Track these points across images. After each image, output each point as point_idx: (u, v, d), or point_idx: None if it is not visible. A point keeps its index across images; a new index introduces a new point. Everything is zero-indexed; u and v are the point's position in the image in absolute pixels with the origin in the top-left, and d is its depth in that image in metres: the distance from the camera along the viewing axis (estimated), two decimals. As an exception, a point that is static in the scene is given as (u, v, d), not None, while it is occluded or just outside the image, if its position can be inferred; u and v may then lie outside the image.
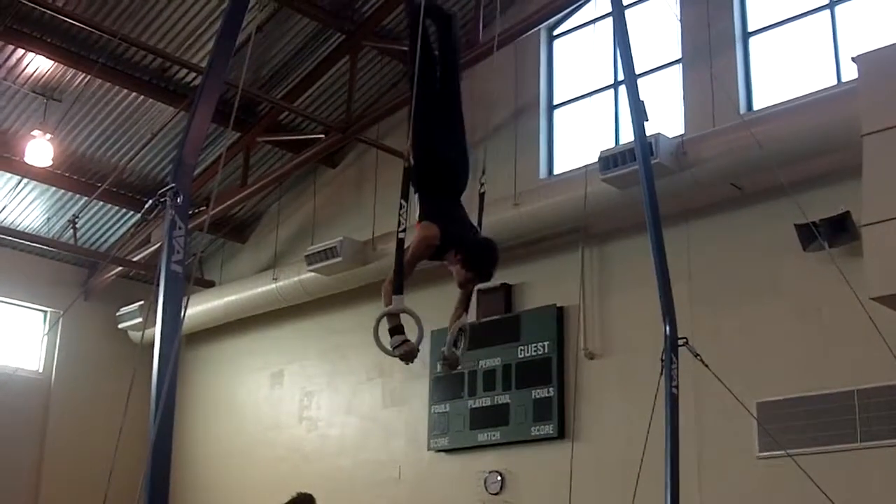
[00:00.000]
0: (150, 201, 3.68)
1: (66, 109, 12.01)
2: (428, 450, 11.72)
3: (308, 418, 13.41)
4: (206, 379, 14.71)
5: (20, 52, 11.42)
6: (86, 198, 13.30)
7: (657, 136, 9.24)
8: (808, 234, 8.75)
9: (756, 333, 9.47)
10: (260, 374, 14.14)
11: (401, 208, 5.04)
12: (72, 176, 13.22)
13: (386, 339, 5.14)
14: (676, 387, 6.25)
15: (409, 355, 5.03)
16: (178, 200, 3.60)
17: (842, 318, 8.65)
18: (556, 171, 11.57)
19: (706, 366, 6.22)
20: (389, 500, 11.96)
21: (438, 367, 11.65)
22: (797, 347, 9.19)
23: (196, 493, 13.57)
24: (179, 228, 3.58)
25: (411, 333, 5.12)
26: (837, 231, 8.75)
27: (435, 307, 11.85)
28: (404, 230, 5.08)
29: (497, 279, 11.42)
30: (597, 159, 9.82)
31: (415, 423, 11.96)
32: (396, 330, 5.05)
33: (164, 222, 3.57)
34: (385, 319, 5.02)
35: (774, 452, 8.57)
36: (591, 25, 11.50)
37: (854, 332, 8.42)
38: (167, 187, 3.61)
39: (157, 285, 3.62)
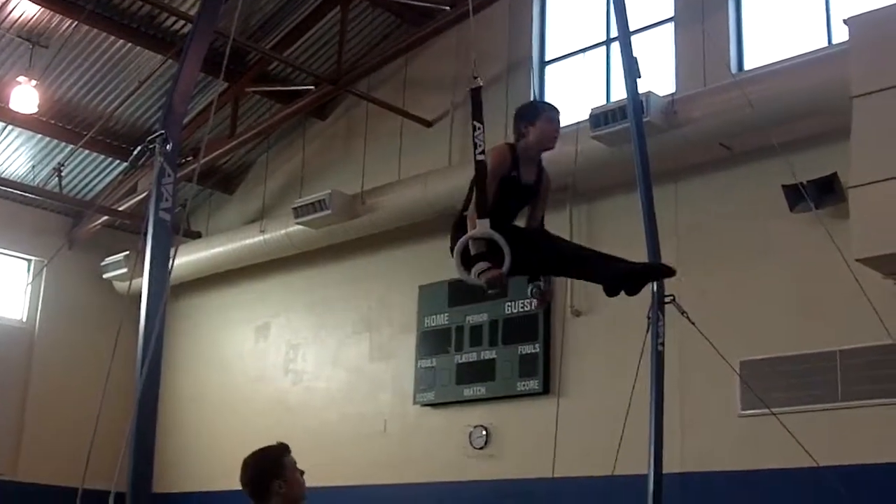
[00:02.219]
0: (139, 148, 3.65)
1: (53, 56, 11.87)
2: (414, 404, 11.79)
3: (294, 371, 13.44)
4: (192, 331, 14.71)
5: (6, -4, 11.29)
6: (72, 146, 13.18)
7: (648, 94, 9.21)
8: (796, 195, 8.77)
9: (741, 293, 9.53)
10: (246, 327, 14.15)
11: (475, 130, 4.86)
12: (57, 123, 13.11)
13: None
14: (662, 344, 6.30)
15: (495, 282, 4.67)
16: (167, 147, 3.57)
17: (826, 279, 8.70)
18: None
19: (692, 323, 6.26)
20: (375, 454, 12.03)
21: (426, 321, 11.70)
22: (782, 307, 9.26)
23: (181, 445, 13.61)
24: (168, 176, 3.56)
25: None
26: (824, 192, 8.78)
27: (422, 263, 11.95)
28: (483, 151, 4.88)
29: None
30: (587, 116, 9.79)
31: (401, 377, 12.01)
32: (481, 256, 4.69)
33: (153, 170, 3.55)
34: (470, 245, 4.71)
35: (756, 410, 8.65)
36: (584, -19, 11.43)
37: (838, 293, 8.48)
38: (156, 134, 3.58)
39: (145, 233, 3.60)
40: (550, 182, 5.55)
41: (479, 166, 4.75)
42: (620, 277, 5.06)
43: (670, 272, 5.33)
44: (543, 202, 5.52)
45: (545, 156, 5.36)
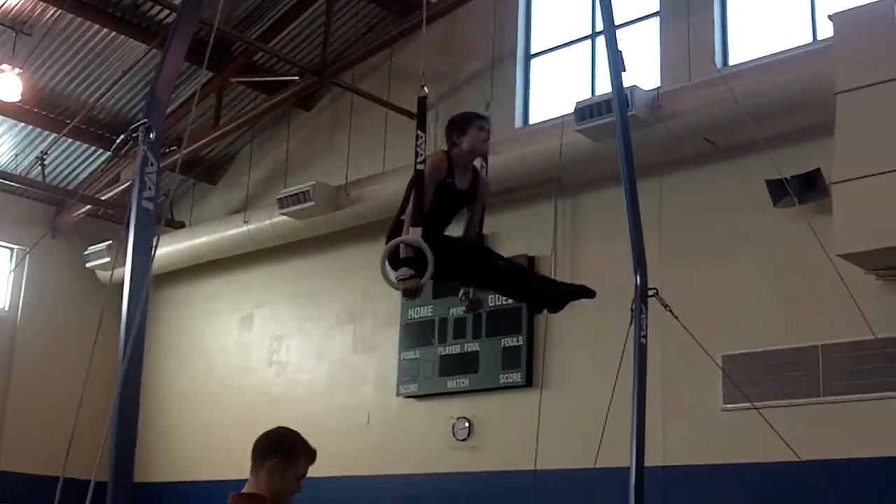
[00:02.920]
0: (122, 136, 3.63)
1: (37, 44, 11.81)
2: (397, 395, 11.79)
3: (278, 362, 13.43)
4: (175, 321, 14.67)
5: (-11, -17, 11.21)
6: (55, 134, 13.14)
7: (633, 88, 9.23)
8: (779, 190, 8.80)
9: (724, 287, 9.57)
10: (230, 318, 14.12)
11: (418, 139, 4.99)
12: (41, 112, 13.04)
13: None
14: (645, 336, 6.30)
15: (411, 292, 4.96)
16: (151, 136, 3.55)
17: (809, 274, 8.74)
18: (532, 120, 11.55)
19: (675, 316, 6.27)
20: (358, 445, 12.03)
21: (409, 314, 11.70)
22: (764, 302, 9.30)
23: (164, 435, 13.59)
24: (151, 165, 3.54)
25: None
26: (808, 188, 8.81)
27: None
28: (423, 161, 5.02)
29: (456, 230, 11.49)
30: (572, 110, 9.80)
31: (385, 369, 12.01)
32: (407, 262, 4.93)
33: (136, 158, 3.53)
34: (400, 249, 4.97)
35: (738, 405, 8.70)
36: (571, -26, 11.43)
37: (820, 288, 8.52)
38: (139, 123, 3.57)
39: (128, 223, 3.58)
40: (489, 188, 5.83)
41: (419, 175, 4.92)
42: (546, 298, 5.52)
43: (592, 294, 5.59)
44: (481, 207, 5.73)
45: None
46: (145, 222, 3.59)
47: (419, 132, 5.03)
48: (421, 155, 5.06)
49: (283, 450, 3.87)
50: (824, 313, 8.72)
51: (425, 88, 5.15)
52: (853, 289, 7.27)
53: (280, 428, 3.99)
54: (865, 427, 8.45)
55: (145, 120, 3.61)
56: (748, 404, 7.73)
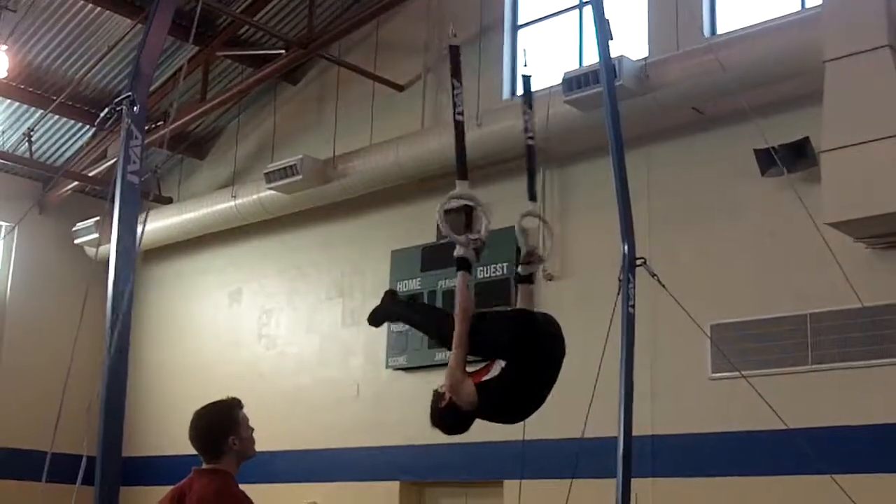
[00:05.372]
0: (106, 110, 3.59)
1: (21, 19, 11.70)
2: (386, 368, 11.81)
3: (267, 336, 13.43)
4: (164, 296, 14.66)
5: (-29, -42, 11.10)
6: (41, 111, 13.06)
7: (621, 58, 9.19)
8: (767, 159, 8.80)
9: (713, 256, 9.58)
10: (218, 292, 14.10)
11: (454, 89, 4.83)
12: (27, 88, 12.96)
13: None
14: (633, 306, 6.30)
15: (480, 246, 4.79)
16: (135, 109, 3.52)
17: (797, 243, 8.76)
18: (520, 91, 11.48)
19: (663, 286, 6.27)
20: (347, 418, 12.07)
21: (398, 286, 11.69)
22: (752, 271, 9.32)
23: (153, 409, 13.60)
24: (136, 138, 3.50)
25: None
26: (796, 157, 8.81)
27: (395, 229, 11.93)
28: (461, 112, 4.84)
29: (458, 201, 11.49)
30: (560, 81, 9.77)
31: (373, 342, 12.01)
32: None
33: (121, 132, 3.50)
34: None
35: (727, 374, 8.73)
36: (558, -56, 11.36)
37: (808, 257, 8.55)
38: (123, 96, 3.53)
39: (113, 196, 3.56)
40: None
41: (458, 126, 4.75)
42: None
43: None
44: None
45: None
46: (130, 196, 3.56)
47: (455, 81, 4.82)
48: (459, 106, 4.83)
49: (222, 424, 3.81)
50: (812, 282, 8.74)
51: (455, 35, 4.93)
52: (841, 257, 7.30)
53: (198, 414, 3.89)
54: (853, 395, 8.50)
55: (129, 93, 3.58)
56: (736, 373, 7.76)
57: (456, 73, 4.78)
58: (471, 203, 4.69)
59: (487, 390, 4.46)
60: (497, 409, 4.65)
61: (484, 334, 4.64)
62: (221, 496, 3.58)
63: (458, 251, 4.67)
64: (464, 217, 4.77)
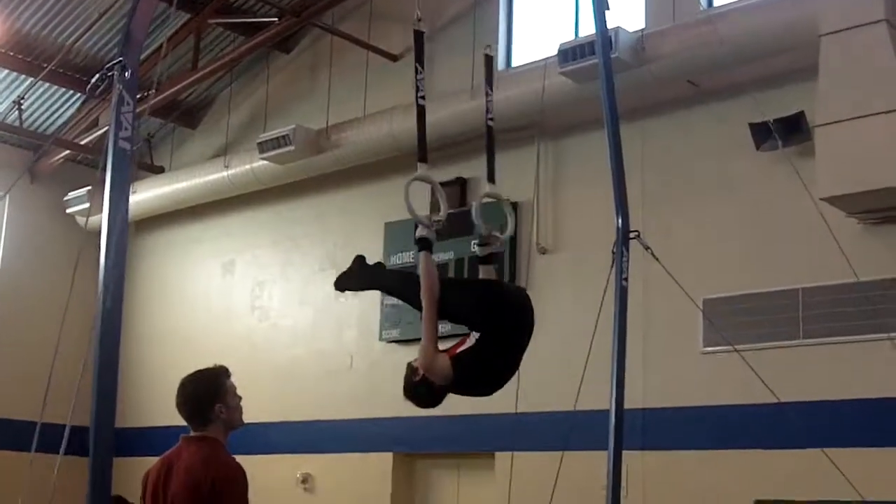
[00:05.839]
0: (97, 76, 3.56)
1: (11, -15, 11.61)
2: (379, 340, 11.81)
3: (260, 308, 13.41)
4: (157, 268, 14.61)
5: (-39, -78, 10.97)
6: (31, 78, 12.96)
7: (617, 29, 9.14)
8: (762, 133, 8.79)
9: (706, 230, 9.58)
10: (211, 263, 14.06)
11: (417, 73, 4.89)
12: (16, 55, 12.84)
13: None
14: (626, 279, 6.30)
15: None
16: (126, 75, 3.48)
17: (791, 218, 8.76)
18: (515, 63, 11.45)
19: (656, 259, 6.26)
20: (341, 390, 12.07)
21: (392, 259, 11.66)
22: (746, 245, 9.32)
23: (145, 380, 13.59)
24: (127, 104, 3.47)
25: None
26: (791, 131, 8.79)
27: (388, 200, 11.88)
28: (423, 96, 4.92)
29: (452, 173, 11.46)
30: (556, 52, 9.71)
31: (367, 315, 12.01)
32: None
33: (112, 98, 3.47)
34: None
35: (719, 347, 8.75)
36: (554, -86, 11.26)
37: (802, 232, 8.56)
38: (114, 62, 3.49)
39: (105, 164, 3.53)
40: None
41: (420, 111, 4.82)
42: None
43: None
44: None
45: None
46: (122, 162, 3.54)
47: (418, 66, 4.88)
48: (421, 90, 4.91)
49: (209, 391, 3.79)
50: (805, 257, 8.75)
51: (421, 22, 4.99)
52: (835, 232, 7.30)
53: (183, 382, 3.86)
54: (844, 369, 8.52)
55: (120, 58, 3.54)
56: (728, 347, 7.77)
57: (419, 58, 4.87)
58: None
59: (462, 363, 4.51)
60: (471, 382, 4.76)
61: (457, 304, 4.71)
62: (210, 463, 3.56)
63: (419, 231, 4.70)
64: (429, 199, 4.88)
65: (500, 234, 5.34)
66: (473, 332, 4.63)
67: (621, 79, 7.62)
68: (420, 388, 4.69)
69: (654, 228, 8.82)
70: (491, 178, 5.34)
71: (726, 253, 9.39)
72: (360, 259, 5.36)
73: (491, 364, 4.59)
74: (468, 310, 4.71)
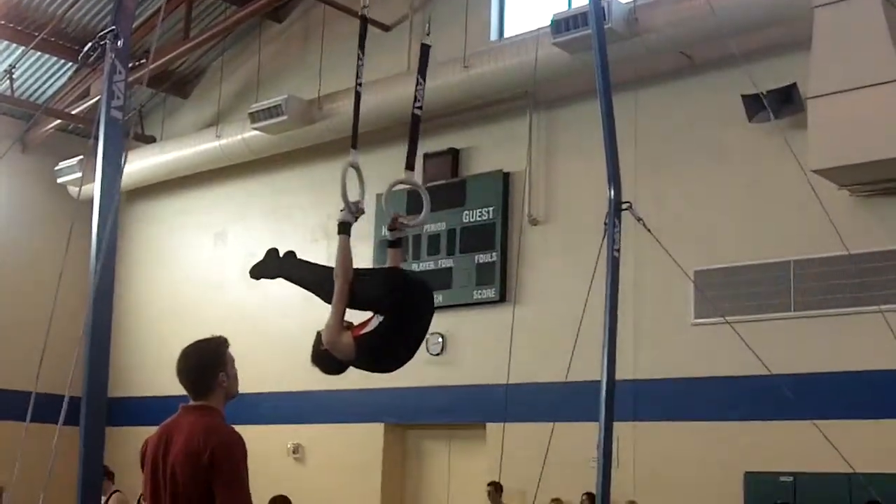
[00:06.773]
0: (90, 44, 3.53)
1: (0, -47, 11.50)
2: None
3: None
4: (148, 237, 14.58)
5: None
6: (23, 47, 12.87)
7: (610, 0, 9.10)
8: (755, 105, 8.78)
9: (698, 202, 9.59)
10: (203, 233, 14.04)
11: (358, 60, 4.96)
12: (8, 24, 12.75)
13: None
14: (618, 250, 6.28)
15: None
16: (119, 44, 3.46)
17: (783, 190, 8.77)
18: (507, 33, 11.40)
19: (648, 230, 6.24)
20: (331, 360, 12.08)
21: (383, 230, 11.65)
22: (737, 216, 9.34)
23: (138, 350, 13.60)
24: (119, 73, 3.45)
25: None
26: (783, 102, 8.79)
27: (380, 171, 11.84)
28: (361, 84, 4.99)
29: (444, 143, 11.44)
30: (549, 23, 9.67)
31: (359, 285, 11.99)
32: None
33: (104, 67, 3.44)
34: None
35: (710, 319, 8.78)
36: None
37: (793, 204, 8.57)
38: (107, 30, 3.47)
39: (97, 133, 3.51)
40: None
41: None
42: None
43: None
44: None
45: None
46: (114, 132, 3.52)
47: (359, 52, 5.02)
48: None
49: (213, 360, 3.80)
50: (797, 229, 8.77)
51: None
52: (826, 205, 7.29)
53: (186, 351, 3.87)
54: (836, 341, 8.56)
55: (112, 27, 3.51)
56: (719, 319, 7.79)
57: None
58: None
59: (363, 344, 4.74)
60: (372, 362, 4.95)
61: (363, 290, 4.92)
62: (210, 432, 3.56)
63: (341, 216, 4.92)
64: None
65: (408, 223, 5.44)
66: (377, 315, 4.75)
67: (614, 50, 7.58)
68: (325, 358, 4.87)
69: (647, 199, 8.82)
70: (410, 166, 5.41)
71: (718, 224, 9.41)
72: (272, 252, 5.65)
73: (392, 346, 4.78)
74: (377, 292, 4.85)
